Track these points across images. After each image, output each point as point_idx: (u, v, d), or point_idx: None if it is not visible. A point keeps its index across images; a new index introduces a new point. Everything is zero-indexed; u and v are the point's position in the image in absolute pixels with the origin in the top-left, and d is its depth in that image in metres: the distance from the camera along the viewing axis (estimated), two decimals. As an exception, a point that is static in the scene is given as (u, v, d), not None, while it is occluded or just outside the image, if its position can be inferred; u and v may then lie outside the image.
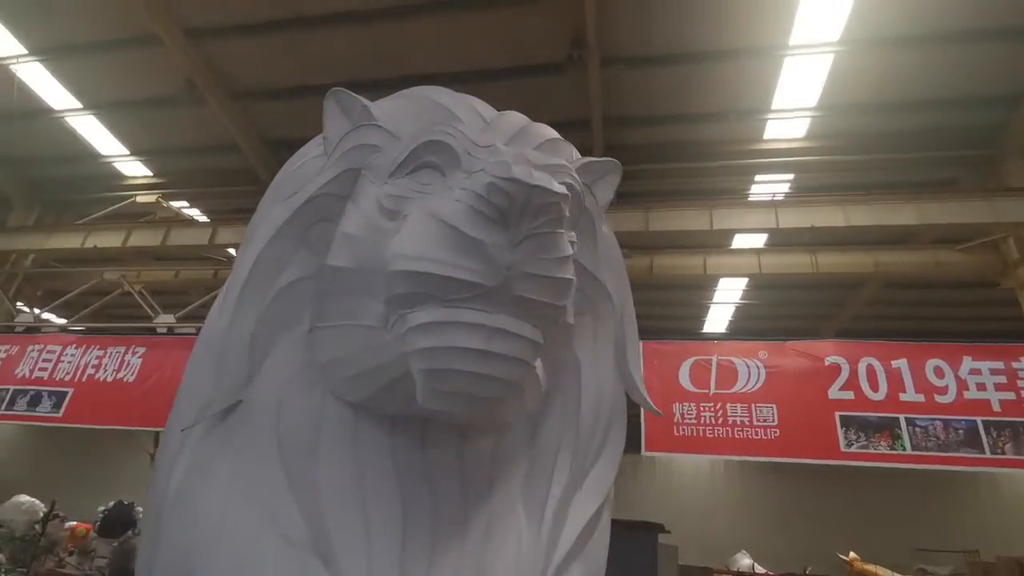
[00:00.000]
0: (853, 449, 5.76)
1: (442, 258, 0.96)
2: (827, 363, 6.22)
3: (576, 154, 1.41)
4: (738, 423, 6.26)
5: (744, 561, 9.18)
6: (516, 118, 1.35)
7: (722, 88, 7.70)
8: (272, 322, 1.24)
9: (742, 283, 10.90)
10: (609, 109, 8.13)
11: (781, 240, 8.93)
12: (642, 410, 6.45)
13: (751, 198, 9.25)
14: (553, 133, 1.38)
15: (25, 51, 8.01)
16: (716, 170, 8.90)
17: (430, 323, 0.97)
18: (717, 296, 11.76)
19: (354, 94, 1.40)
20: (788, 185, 9.18)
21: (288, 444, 1.17)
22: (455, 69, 7.71)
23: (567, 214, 0.99)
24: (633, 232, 8.17)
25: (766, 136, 8.40)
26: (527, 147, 1.19)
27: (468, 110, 1.33)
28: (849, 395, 6.01)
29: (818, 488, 12.85)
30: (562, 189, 0.97)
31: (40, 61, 8.19)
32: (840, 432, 5.82)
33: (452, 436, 1.21)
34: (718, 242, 9.10)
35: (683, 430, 6.28)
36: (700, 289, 11.43)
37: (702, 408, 6.38)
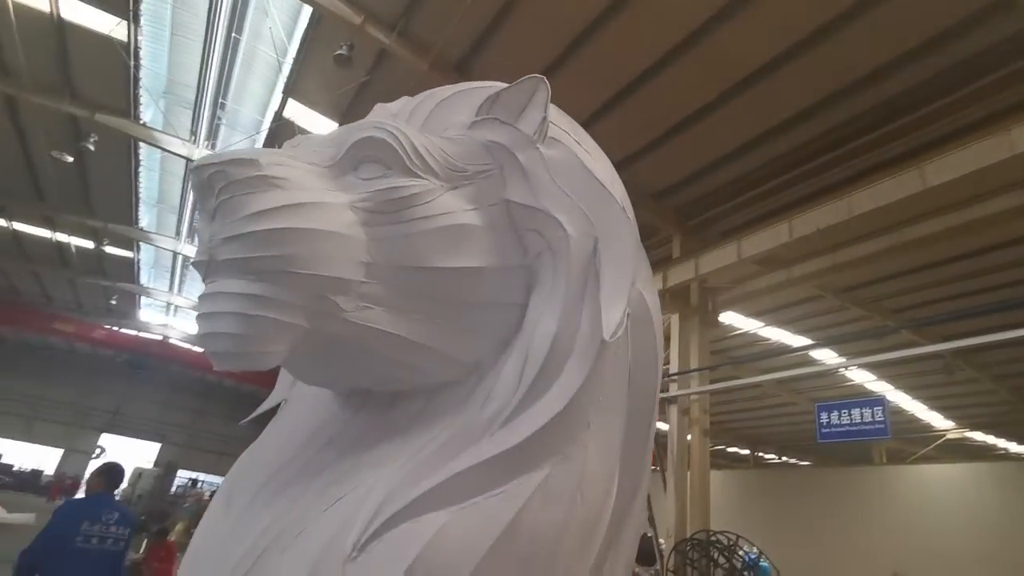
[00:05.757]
0: None
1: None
2: None
3: (488, 95, 1.40)
4: None
5: None
6: (433, 92, 1.49)
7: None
8: None
9: None
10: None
11: None
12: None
13: None
14: (455, 90, 1.47)
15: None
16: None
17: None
18: None
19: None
20: None
21: (273, 432, 1.41)
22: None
23: (247, 175, 1.09)
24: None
25: None
26: (426, 110, 1.41)
27: (403, 102, 1.53)
28: None
29: None
30: (224, 159, 1.10)
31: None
32: None
33: (384, 401, 1.31)
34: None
35: None
36: None
37: None
